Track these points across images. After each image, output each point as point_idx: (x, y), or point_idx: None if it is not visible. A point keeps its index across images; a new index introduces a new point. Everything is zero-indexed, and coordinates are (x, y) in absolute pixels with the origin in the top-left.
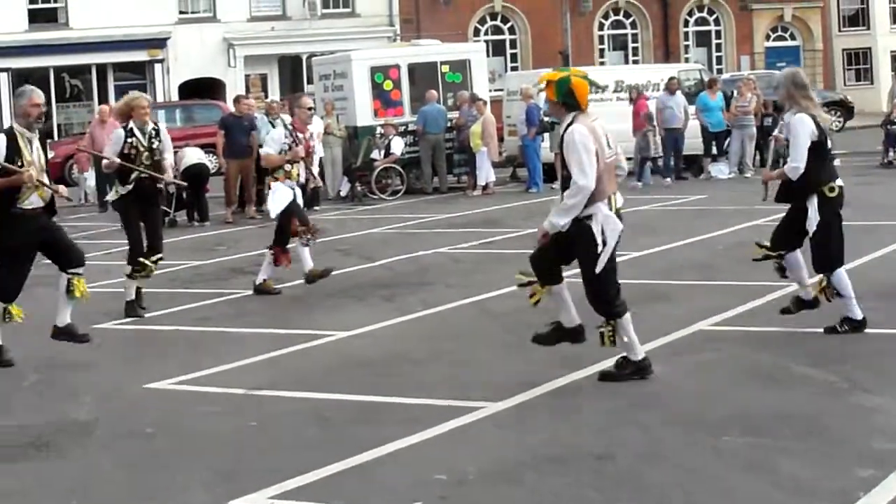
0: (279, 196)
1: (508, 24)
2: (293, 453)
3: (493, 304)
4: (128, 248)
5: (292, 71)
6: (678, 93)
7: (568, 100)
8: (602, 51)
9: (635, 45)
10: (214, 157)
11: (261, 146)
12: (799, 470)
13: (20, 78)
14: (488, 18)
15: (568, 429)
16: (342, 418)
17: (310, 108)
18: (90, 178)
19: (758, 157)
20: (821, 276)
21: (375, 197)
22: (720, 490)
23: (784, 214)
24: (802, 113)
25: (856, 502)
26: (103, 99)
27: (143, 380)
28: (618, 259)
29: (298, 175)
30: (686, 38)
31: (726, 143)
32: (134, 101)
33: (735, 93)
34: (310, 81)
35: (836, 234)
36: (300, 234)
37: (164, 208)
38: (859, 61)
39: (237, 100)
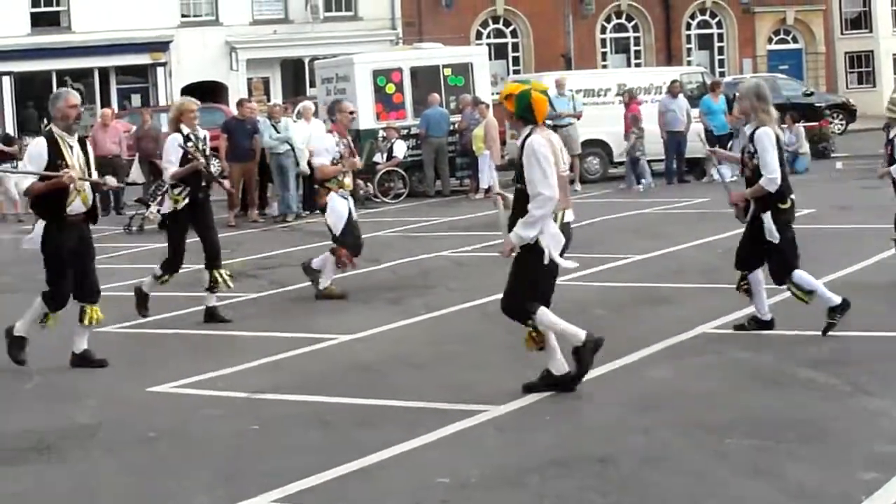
0: (338, 209)
1: (510, 28)
2: (296, 457)
3: (495, 307)
4: (165, 258)
5: (294, 74)
6: (680, 96)
7: (526, 114)
8: (604, 54)
9: (637, 48)
10: (217, 160)
11: (263, 150)
12: (802, 473)
13: (22, 81)
14: (490, 22)
15: (570, 432)
16: (345, 422)
17: (351, 113)
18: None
19: None
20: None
21: (378, 200)
22: (724, 493)
23: (744, 232)
24: (766, 126)
25: None
26: (105, 103)
27: (146, 383)
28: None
29: (350, 184)
30: (688, 42)
31: (729, 145)
32: (183, 106)
33: (737, 96)
34: (312, 85)
35: (790, 243)
36: (341, 256)
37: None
38: (861, 64)
39: (240, 103)
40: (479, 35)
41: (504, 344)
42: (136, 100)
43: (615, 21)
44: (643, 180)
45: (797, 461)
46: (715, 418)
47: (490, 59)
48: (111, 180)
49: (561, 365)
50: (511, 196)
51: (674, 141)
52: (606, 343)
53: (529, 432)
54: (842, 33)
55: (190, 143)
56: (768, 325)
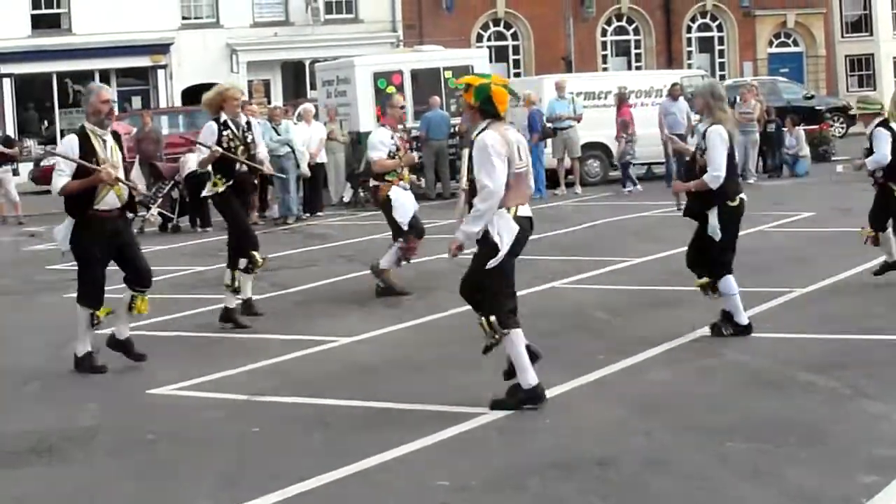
0: (404, 202)
1: (511, 31)
2: (296, 459)
3: None
4: (229, 246)
5: (295, 77)
6: (681, 99)
7: (486, 106)
8: (605, 57)
9: (638, 51)
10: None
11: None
12: (802, 476)
13: (23, 83)
14: (491, 24)
15: (571, 435)
16: (345, 424)
17: (402, 107)
18: None
19: (760, 163)
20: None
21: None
22: (724, 496)
23: (694, 234)
24: (718, 124)
25: None
26: None
27: (146, 386)
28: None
29: (409, 176)
30: (689, 44)
31: None
32: (227, 92)
33: (738, 99)
34: (313, 87)
35: (732, 243)
36: (412, 248)
37: (168, 214)
38: (862, 67)
39: (241, 106)
40: (479, 38)
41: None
42: (136, 102)
43: (616, 24)
44: (628, 185)
45: (797, 464)
46: (715, 421)
47: (491, 61)
48: (141, 187)
49: (528, 380)
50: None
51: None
52: (607, 345)
53: (530, 435)
54: (842, 36)
55: (227, 131)
56: (747, 328)
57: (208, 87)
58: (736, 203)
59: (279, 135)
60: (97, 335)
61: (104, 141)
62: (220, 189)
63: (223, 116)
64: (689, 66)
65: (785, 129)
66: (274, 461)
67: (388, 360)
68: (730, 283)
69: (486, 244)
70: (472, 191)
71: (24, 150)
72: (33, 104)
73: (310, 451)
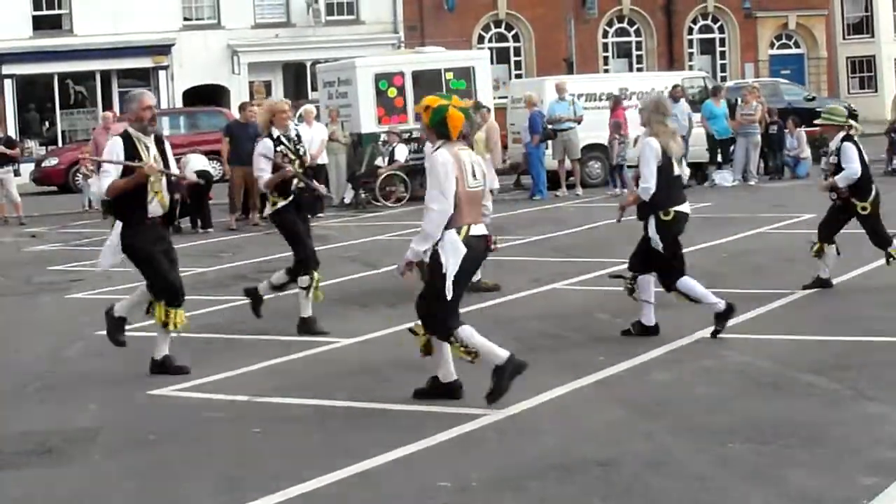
0: None
1: (513, 32)
2: (297, 460)
3: (497, 311)
4: (296, 260)
5: (296, 78)
6: (682, 100)
7: (440, 129)
8: (606, 58)
9: (639, 52)
10: (218, 163)
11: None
12: (804, 478)
13: (24, 84)
14: (492, 26)
15: (572, 436)
16: (346, 425)
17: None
18: (94, 184)
19: (762, 165)
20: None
21: (379, 204)
22: (725, 498)
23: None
24: (652, 137)
25: None
26: (107, 106)
27: (147, 386)
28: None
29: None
30: (690, 46)
31: (731, 150)
32: (275, 106)
33: (740, 101)
34: (314, 88)
35: (676, 251)
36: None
37: None
38: (863, 69)
39: (242, 107)
40: (481, 39)
41: (505, 347)
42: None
43: (617, 25)
44: (615, 188)
45: (798, 466)
46: (716, 422)
47: (492, 63)
48: (191, 174)
49: (449, 372)
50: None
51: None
52: (608, 346)
53: (531, 436)
54: (844, 38)
55: (280, 147)
56: (654, 329)
57: (210, 88)
58: (669, 217)
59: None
60: (98, 337)
61: (147, 146)
62: (280, 205)
63: (275, 132)
64: (691, 68)
65: (786, 131)
66: (275, 462)
67: (389, 361)
68: (688, 283)
69: (436, 264)
70: None
71: (26, 151)
72: (34, 105)
73: (311, 451)
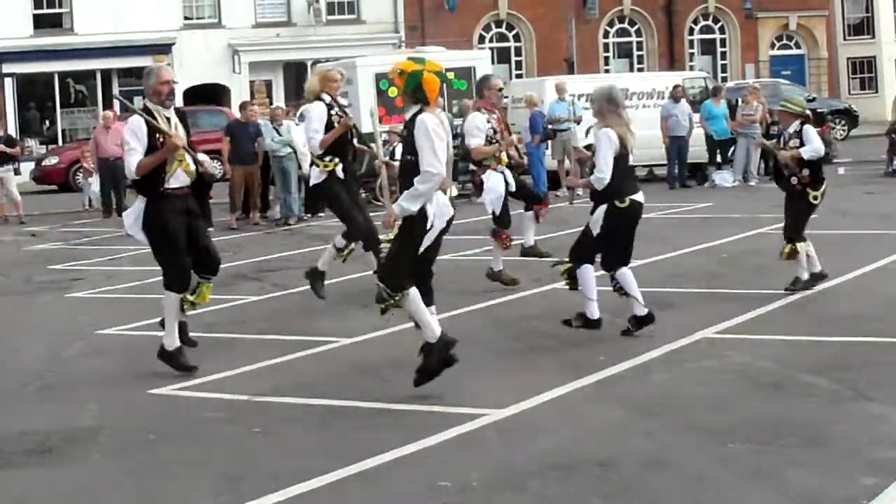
0: (495, 186)
1: (513, 32)
2: (296, 460)
3: (498, 310)
4: (346, 228)
5: (297, 77)
6: (683, 101)
7: (417, 94)
8: (607, 58)
9: (640, 52)
10: (219, 163)
11: (266, 153)
12: (803, 478)
13: (25, 83)
14: (493, 26)
15: (572, 436)
16: (346, 424)
17: (500, 89)
18: (94, 183)
19: (762, 165)
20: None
21: (380, 203)
22: (725, 497)
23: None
24: (608, 128)
25: None
26: (108, 104)
27: (147, 385)
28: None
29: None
30: (691, 46)
31: (730, 151)
32: (328, 74)
33: (740, 101)
34: None
35: (623, 241)
36: (503, 238)
37: None
38: (864, 70)
39: (243, 106)
40: (481, 39)
41: (506, 347)
42: (138, 102)
43: (618, 25)
44: None
45: (798, 466)
46: (716, 422)
47: (493, 63)
48: (208, 163)
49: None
50: (395, 164)
51: (676, 146)
52: (609, 346)
53: (531, 435)
54: (844, 39)
55: (334, 110)
56: (596, 323)
57: (210, 87)
58: (625, 204)
59: (280, 135)
60: (98, 335)
61: (167, 118)
62: (331, 168)
63: (326, 98)
64: (692, 68)
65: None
66: (274, 461)
67: (389, 361)
68: (588, 272)
69: (421, 220)
70: (406, 170)
71: (26, 150)
72: (35, 104)
73: (310, 451)
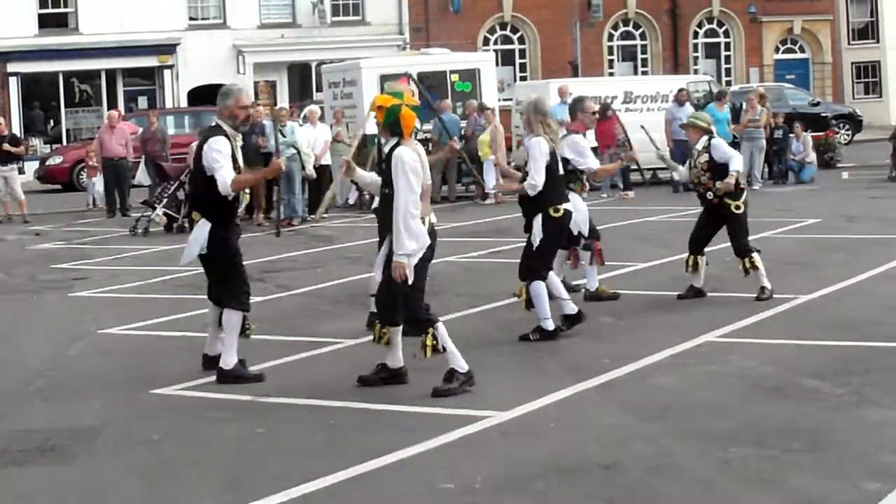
0: (582, 208)
1: (518, 34)
2: (300, 461)
3: (501, 313)
4: None
5: (301, 78)
6: (687, 104)
7: (394, 128)
8: (611, 61)
9: (644, 56)
10: None
11: (269, 153)
12: (807, 483)
13: (30, 82)
14: (498, 28)
15: (575, 439)
16: (349, 426)
17: (594, 113)
18: (98, 183)
19: (766, 170)
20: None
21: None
22: (729, 502)
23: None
24: (539, 137)
25: None
26: (112, 104)
27: (151, 385)
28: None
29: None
30: (695, 50)
31: None
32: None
33: (744, 105)
34: (319, 89)
35: (551, 250)
36: (598, 251)
37: (173, 214)
38: (868, 75)
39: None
40: (486, 41)
41: (510, 350)
42: (142, 102)
43: (622, 29)
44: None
45: (802, 471)
46: (719, 427)
47: (497, 65)
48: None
49: (398, 360)
50: (353, 164)
51: (680, 150)
52: (612, 350)
53: (534, 438)
54: (849, 43)
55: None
56: (577, 318)
57: (215, 87)
58: (560, 214)
59: (284, 136)
60: (102, 335)
61: (236, 145)
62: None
63: None
64: (696, 72)
65: (791, 136)
66: (278, 462)
67: None
68: (540, 288)
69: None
70: (383, 203)
71: (30, 149)
72: (39, 103)
73: (314, 452)
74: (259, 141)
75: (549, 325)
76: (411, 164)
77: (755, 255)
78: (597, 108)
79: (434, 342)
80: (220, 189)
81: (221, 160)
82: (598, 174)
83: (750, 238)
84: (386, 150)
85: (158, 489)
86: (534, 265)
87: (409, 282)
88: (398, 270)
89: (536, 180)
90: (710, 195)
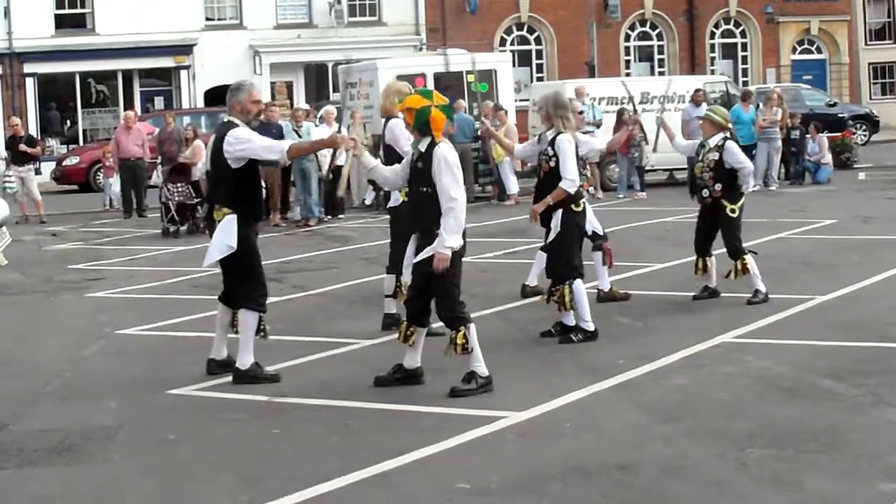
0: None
1: (535, 35)
2: (315, 461)
3: (517, 313)
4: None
5: (318, 79)
6: (703, 105)
7: (424, 129)
8: (628, 62)
9: (661, 56)
10: None
11: None
12: (823, 484)
13: (46, 83)
14: (515, 28)
15: (591, 440)
16: (364, 426)
17: (580, 112)
18: (115, 183)
19: (782, 171)
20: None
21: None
22: (744, 503)
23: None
24: (565, 134)
25: None
26: (129, 105)
27: (167, 386)
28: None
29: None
30: (712, 51)
31: (751, 155)
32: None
33: (761, 105)
34: (335, 89)
35: (576, 244)
36: (608, 252)
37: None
38: (885, 75)
39: (265, 107)
40: (503, 42)
41: (525, 350)
42: (159, 102)
43: (639, 29)
44: (638, 190)
45: (817, 471)
46: (735, 427)
47: (514, 65)
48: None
49: (415, 360)
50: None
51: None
52: (628, 350)
53: (550, 439)
54: (866, 44)
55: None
56: (593, 334)
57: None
58: (580, 208)
59: (300, 137)
60: (118, 335)
61: None
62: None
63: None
64: (713, 72)
65: (808, 136)
66: (293, 463)
67: None
68: (580, 287)
69: (455, 253)
70: (422, 202)
71: (47, 150)
72: (56, 104)
73: (329, 453)
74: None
75: (591, 326)
76: (454, 160)
77: (748, 258)
78: (582, 107)
79: (464, 341)
80: (277, 155)
81: (256, 138)
82: (609, 148)
83: (767, 239)
84: (422, 148)
85: (174, 489)
86: (569, 263)
87: (452, 273)
88: (442, 263)
89: (574, 177)
90: (705, 193)
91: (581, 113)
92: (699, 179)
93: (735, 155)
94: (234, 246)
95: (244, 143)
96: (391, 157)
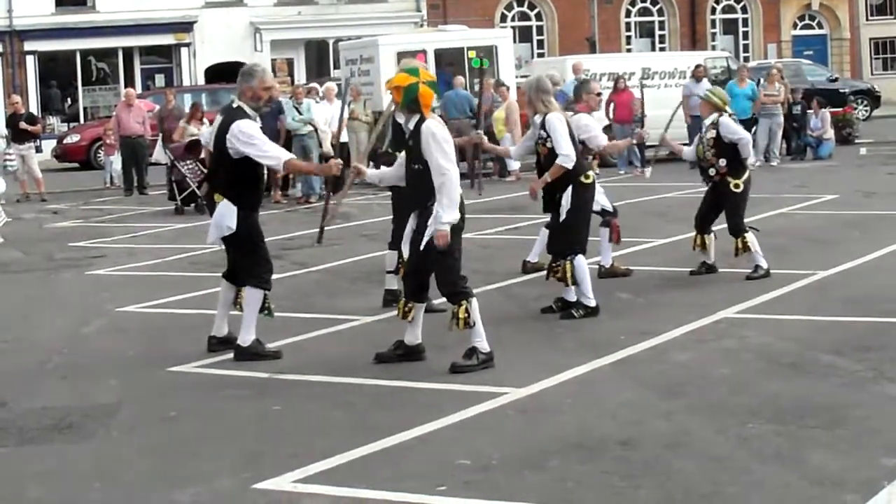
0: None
1: (535, 11)
2: (317, 437)
3: (518, 289)
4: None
5: (318, 56)
6: (704, 80)
7: (413, 106)
8: (629, 38)
9: (662, 32)
10: None
11: (288, 131)
12: (824, 459)
13: (47, 61)
14: (515, 4)
15: (592, 415)
16: (366, 403)
17: (598, 94)
18: (116, 161)
19: (784, 146)
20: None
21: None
22: (745, 478)
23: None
24: (553, 112)
25: (880, 491)
26: (129, 82)
27: (168, 363)
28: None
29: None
30: (713, 26)
31: (753, 131)
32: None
33: (762, 81)
34: (336, 66)
35: (585, 219)
36: (616, 228)
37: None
38: (886, 50)
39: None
40: (503, 18)
41: (526, 326)
42: (159, 80)
43: (640, 5)
44: (639, 166)
45: (819, 447)
46: (737, 403)
47: (515, 41)
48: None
49: (416, 336)
50: (363, 168)
51: (697, 125)
52: (629, 326)
53: (551, 415)
54: (867, 19)
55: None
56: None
57: (232, 65)
58: (589, 180)
59: (301, 114)
60: (119, 312)
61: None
62: None
63: None
64: (713, 48)
65: (809, 112)
66: (295, 439)
67: None
68: (582, 262)
69: (454, 229)
70: (415, 178)
71: (48, 128)
72: (56, 82)
73: (331, 429)
74: (280, 121)
75: (592, 302)
76: (442, 134)
77: (749, 236)
78: (601, 90)
79: (466, 315)
80: (274, 163)
81: (260, 141)
82: (607, 150)
83: (768, 214)
84: (411, 126)
85: (175, 466)
86: (574, 238)
87: (453, 248)
88: (443, 239)
89: (569, 152)
90: (712, 171)
91: (599, 94)
92: (703, 161)
93: (729, 126)
94: (233, 227)
95: (247, 144)
96: (398, 136)
